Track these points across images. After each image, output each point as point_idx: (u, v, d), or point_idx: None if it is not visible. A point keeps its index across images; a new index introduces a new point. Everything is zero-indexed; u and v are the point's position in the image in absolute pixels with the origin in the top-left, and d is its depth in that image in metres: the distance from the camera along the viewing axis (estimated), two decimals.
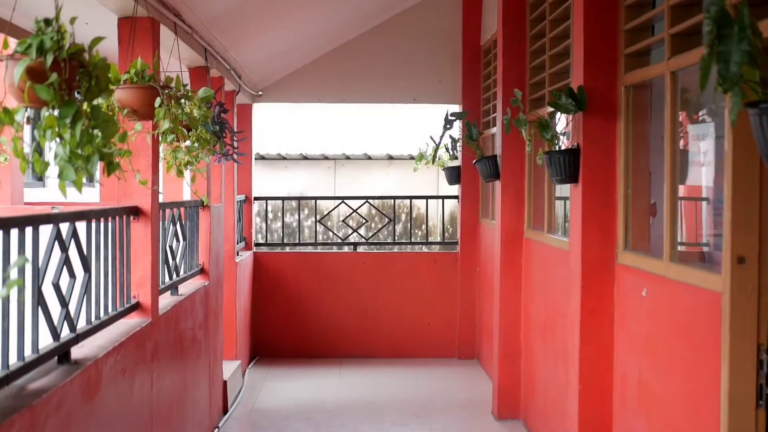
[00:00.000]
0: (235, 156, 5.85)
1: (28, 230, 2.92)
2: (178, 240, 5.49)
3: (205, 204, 6.14)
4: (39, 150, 2.70)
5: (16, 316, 2.86)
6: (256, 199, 9.31)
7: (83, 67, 2.74)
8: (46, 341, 3.17)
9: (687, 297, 3.56)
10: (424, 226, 11.73)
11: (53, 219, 3.17)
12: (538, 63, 6.22)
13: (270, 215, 10.66)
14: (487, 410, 6.99)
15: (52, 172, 3.03)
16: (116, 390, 3.75)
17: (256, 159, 9.61)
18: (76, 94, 2.74)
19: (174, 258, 5.34)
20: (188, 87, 4.53)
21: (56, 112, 2.63)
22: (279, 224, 10.84)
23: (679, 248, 4.93)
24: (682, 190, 5.20)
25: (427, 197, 10.10)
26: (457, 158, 8.80)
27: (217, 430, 6.42)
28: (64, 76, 2.63)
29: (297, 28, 7.68)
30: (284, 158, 13.32)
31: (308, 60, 8.95)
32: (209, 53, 6.11)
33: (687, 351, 3.57)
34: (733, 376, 3.15)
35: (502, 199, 6.68)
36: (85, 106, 2.71)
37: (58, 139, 2.68)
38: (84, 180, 2.84)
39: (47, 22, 2.67)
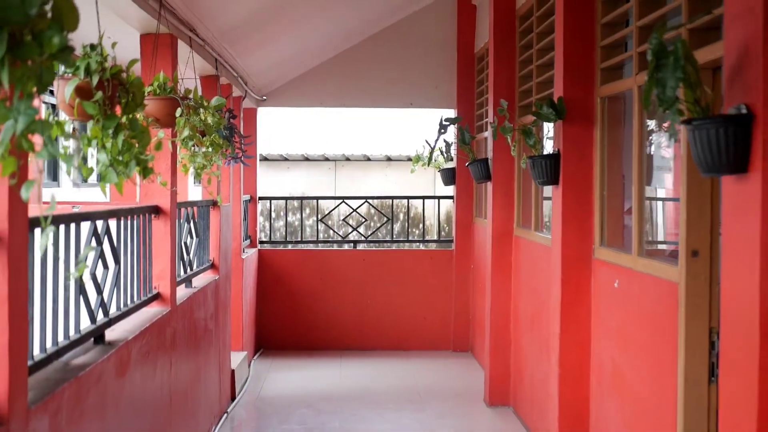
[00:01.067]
0: (243, 159, 6.29)
1: (74, 225, 3.36)
2: (191, 237, 5.93)
3: (219, 203, 6.57)
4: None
5: (63, 301, 3.30)
6: (260, 198, 9.75)
7: (122, 84, 3.18)
8: (84, 324, 3.61)
9: (651, 287, 4.00)
10: (421, 225, 12.17)
11: (91, 216, 3.61)
12: (526, 72, 6.66)
13: (273, 214, 11.10)
14: (479, 398, 7.43)
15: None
16: (142, 370, 4.19)
17: (259, 160, 10.04)
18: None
19: (188, 253, 5.78)
20: (202, 96, 4.97)
21: (100, 125, 3.06)
22: (282, 223, 11.27)
23: (660, 246, 5.40)
24: (664, 192, 5.65)
25: (423, 197, 10.55)
26: (452, 160, 9.23)
27: (226, 415, 6.86)
28: (107, 93, 3.06)
29: (299, 37, 8.12)
30: (286, 159, 13.75)
31: (310, 66, 9.39)
32: (219, 63, 6.55)
33: (651, 336, 4.01)
34: (688, 356, 3.59)
35: (493, 199, 7.11)
36: (123, 118, 3.15)
37: (98, 147, 3.12)
38: (89, 180, 3.27)
39: (92, 47, 3.11)
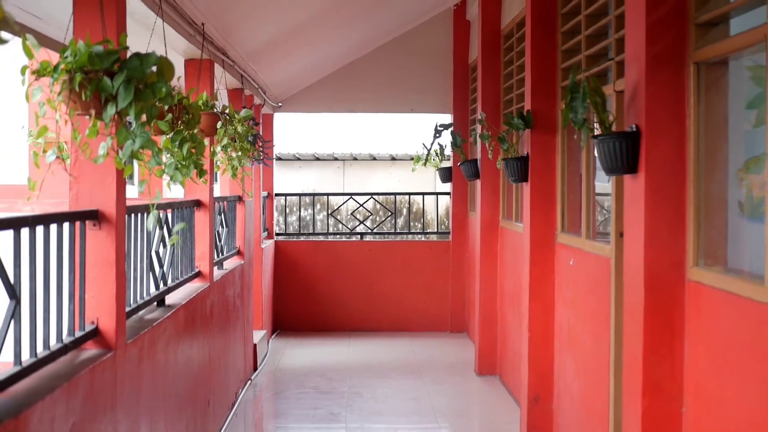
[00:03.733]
0: (265, 160, 7.37)
1: (141, 214, 4.43)
2: (222, 227, 7.00)
3: (250, 197, 7.65)
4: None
5: (140, 271, 4.37)
6: (276, 195, 10.83)
7: (184, 107, 4.24)
8: (151, 290, 4.68)
9: (594, 263, 5.04)
10: (422, 219, 13.24)
11: (160, 207, 4.68)
12: (509, 85, 7.70)
13: (287, 209, 12.19)
14: (470, 369, 8.49)
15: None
16: (192, 330, 5.27)
17: (275, 160, 11.11)
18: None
19: (220, 240, 6.86)
20: (235, 110, 6.03)
21: (170, 138, 4.12)
22: (295, 217, 12.36)
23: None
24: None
25: (423, 194, 11.63)
26: (449, 160, 10.29)
27: (250, 381, 7.94)
28: (175, 114, 4.12)
29: (311, 52, 9.18)
30: (299, 159, 14.84)
31: (320, 76, 10.46)
32: (244, 78, 7.62)
33: (594, 302, 5.05)
34: (616, 312, 4.62)
35: (481, 194, 8.17)
36: (185, 133, 4.21)
37: (168, 155, 4.18)
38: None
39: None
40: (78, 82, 2.91)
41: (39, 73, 3.00)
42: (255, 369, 8.34)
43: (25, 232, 2.89)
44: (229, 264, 7.25)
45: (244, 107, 7.28)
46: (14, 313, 2.78)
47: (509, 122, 5.75)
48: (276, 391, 7.78)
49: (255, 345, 8.39)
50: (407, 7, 9.65)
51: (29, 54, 2.72)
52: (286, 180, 14.26)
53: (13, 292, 2.77)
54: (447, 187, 11.42)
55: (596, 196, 5.37)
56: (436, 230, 11.77)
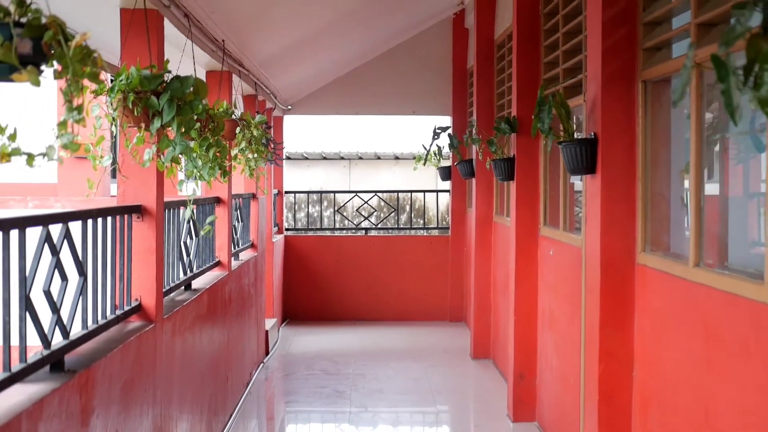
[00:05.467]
0: (276, 161, 8.05)
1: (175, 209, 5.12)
2: (238, 221, 7.69)
3: (264, 194, 8.33)
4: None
5: (169, 259, 5.05)
6: (286, 192, 11.51)
7: (210, 117, 4.91)
8: (179, 276, 5.36)
9: (569, 252, 5.71)
10: (423, 215, 13.92)
11: (184, 204, 5.36)
12: (501, 91, 8.36)
13: (296, 206, 12.89)
14: (466, 353, 9.16)
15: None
16: (213, 313, 5.95)
17: (285, 159, 11.80)
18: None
19: (236, 234, 7.54)
20: (251, 115, 6.71)
21: (198, 143, 4.79)
22: (304, 213, 13.06)
23: None
24: None
25: (425, 191, 12.31)
26: (448, 159, 10.96)
27: (262, 364, 8.63)
28: (203, 123, 4.80)
29: (320, 59, 9.86)
30: (306, 158, 15.53)
31: (328, 81, 11.15)
32: (257, 84, 8.30)
33: (569, 287, 5.71)
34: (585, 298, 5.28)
35: (477, 191, 8.83)
36: (212, 139, 4.88)
37: (196, 158, 4.86)
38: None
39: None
40: (131, 100, 3.59)
41: (97, 93, 3.68)
42: (267, 353, 9.03)
43: (89, 223, 3.57)
44: (244, 255, 7.94)
45: (258, 112, 7.98)
46: (83, 289, 3.47)
47: (497, 127, 6.42)
48: (286, 373, 8.47)
49: (267, 332, 9.07)
50: (409, 15, 10.32)
51: (96, 81, 3.39)
52: (294, 178, 14.95)
53: (82, 270, 3.46)
54: (447, 184, 12.09)
55: (576, 193, 6.04)
56: (436, 225, 12.44)
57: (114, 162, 4.08)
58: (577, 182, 5.87)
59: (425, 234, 12.46)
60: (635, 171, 4.24)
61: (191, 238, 5.62)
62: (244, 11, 6.15)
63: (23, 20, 2.38)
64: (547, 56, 6.35)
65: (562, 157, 4.34)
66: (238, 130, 6.04)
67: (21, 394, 2.77)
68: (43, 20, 2.42)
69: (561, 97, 4.36)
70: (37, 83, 2.39)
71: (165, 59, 4.01)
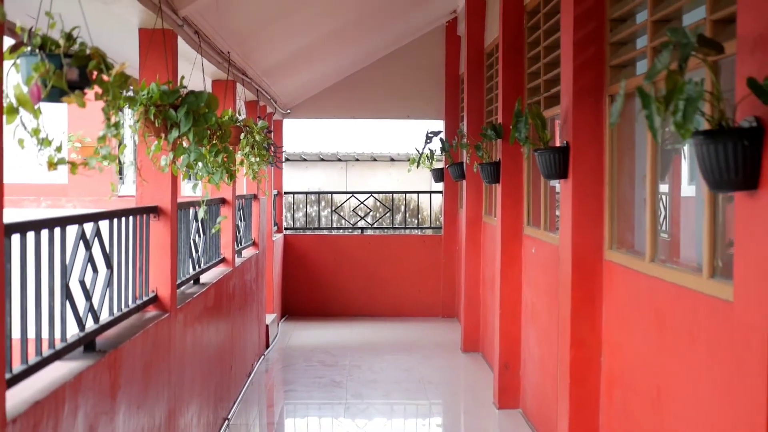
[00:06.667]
0: (277, 164, 8.51)
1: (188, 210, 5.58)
2: (241, 221, 8.14)
3: (266, 194, 8.79)
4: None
5: (181, 255, 5.51)
6: (285, 193, 11.97)
7: (219, 125, 5.37)
8: (189, 271, 5.82)
9: (548, 250, 6.17)
10: (417, 215, 14.39)
11: (197, 204, 5.82)
12: (490, 97, 8.83)
13: (295, 206, 13.36)
14: (457, 347, 9.63)
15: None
16: (219, 305, 6.41)
17: (283, 161, 12.25)
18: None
19: (239, 232, 8.00)
20: (251, 120, 7.16)
21: (207, 149, 5.25)
22: (302, 213, 13.53)
23: None
24: None
25: (419, 192, 12.76)
26: (441, 161, 11.42)
27: (263, 356, 9.09)
28: (212, 131, 5.25)
29: (318, 66, 10.32)
30: (305, 160, 15.99)
31: (325, 86, 11.62)
32: (259, 91, 8.76)
33: (548, 282, 6.18)
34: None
35: (467, 193, 9.30)
36: (220, 146, 5.33)
37: (205, 162, 5.32)
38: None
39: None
40: (153, 113, 4.04)
41: (121, 106, 4.13)
42: (267, 346, 9.49)
43: (114, 222, 4.03)
44: (246, 253, 8.39)
45: (259, 117, 8.45)
46: (110, 280, 3.93)
47: (484, 133, 6.88)
48: (286, 364, 8.93)
49: (267, 326, 9.53)
50: (404, 23, 10.78)
51: (132, 104, 3.85)
52: (293, 179, 15.42)
53: (109, 263, 3.92)
54: (440, 186, 12.56)
55: (557, 195, 6.49)
56: (430, 225, 12.91)
57: (120, 164, 4.54)
58: (558, 185, 6.33)
59: (419, 233, 12.94)
60: (603, 176, 4.70)
61: (200, 235, 6.08)
62: (248, 25, 6.61)
63: (71, 51, 2.84)
64: (531, 67, 6.82)
65: (538, 163, 4.81)
66: (242, 135, 6.49)
67: (63, 368, 3.22)
68: (87, 51, 2.88)
69: (537, 108, 4.83)
70: (82, 105, 2.85)
71: (181, 77, 4.47)
